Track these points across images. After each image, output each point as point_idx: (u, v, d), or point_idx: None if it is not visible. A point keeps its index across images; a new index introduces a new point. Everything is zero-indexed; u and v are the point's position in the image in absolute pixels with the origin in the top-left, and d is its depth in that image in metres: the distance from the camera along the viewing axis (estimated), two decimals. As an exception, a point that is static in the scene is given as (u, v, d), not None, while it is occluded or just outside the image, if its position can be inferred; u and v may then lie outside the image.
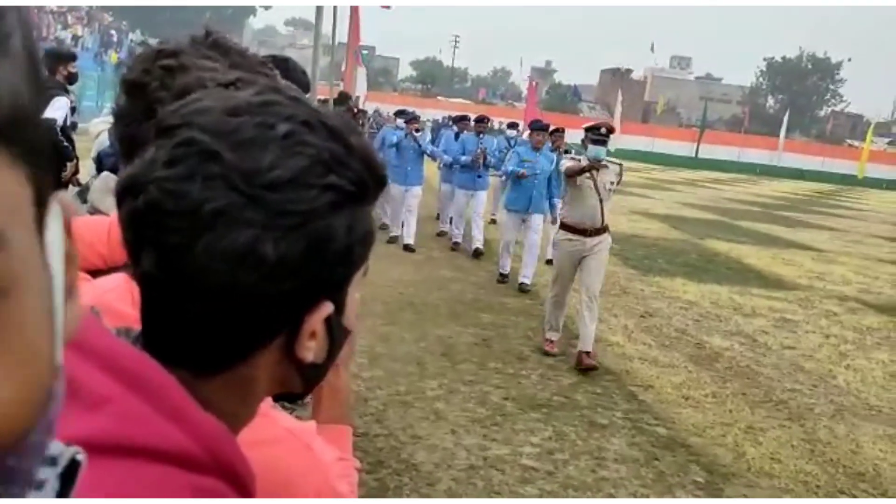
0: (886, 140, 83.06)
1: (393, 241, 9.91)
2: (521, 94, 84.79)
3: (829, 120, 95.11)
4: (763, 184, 41.11)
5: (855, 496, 4.17)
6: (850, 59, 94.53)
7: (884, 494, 4.22)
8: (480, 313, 6.95)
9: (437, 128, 22.72)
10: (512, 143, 11.07)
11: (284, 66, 2.37)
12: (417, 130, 9.82)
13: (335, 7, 8.24)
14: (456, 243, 10.45)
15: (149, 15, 61.74)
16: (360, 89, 18.70)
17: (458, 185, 10.18)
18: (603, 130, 5.70)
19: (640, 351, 6.33)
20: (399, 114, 10.91)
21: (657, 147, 55.57)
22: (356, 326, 0.71)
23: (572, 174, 5.80)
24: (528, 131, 9.53)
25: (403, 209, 9.86)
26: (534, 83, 30.99)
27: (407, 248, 9.68)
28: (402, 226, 9.99)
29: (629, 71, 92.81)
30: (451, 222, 10.86)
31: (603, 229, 5.81)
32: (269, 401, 0.74)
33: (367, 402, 4.67)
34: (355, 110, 13.21)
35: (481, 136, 10.19)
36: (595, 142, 5.70)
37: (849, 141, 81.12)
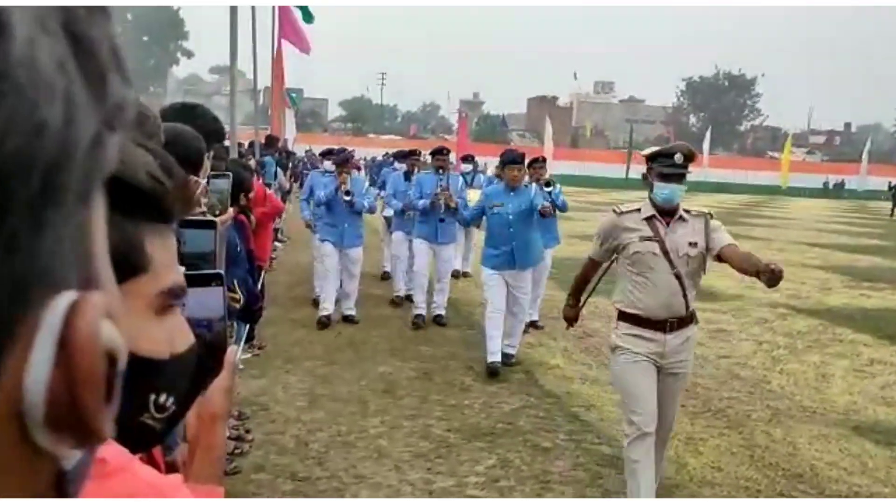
0: (804, 150, 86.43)
1: (325, 322, 7.49)
2: (451, 127, 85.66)
3: (750, 134, 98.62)
4: (691, 199, 42.11)
5: (794, 497, 4.26)
6: (763, 75, 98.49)
7: (822, 494, 4.32)
8: (421, 347, 6.92)
9: (375, 167, 22.06)
10: (469, 180, 9.63)
11: (192, 113, 2.35)
12: (348, 194, 7.48)
13: (254, 51, 8.20)
14: (400, 297, 8.76)
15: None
16: (289, 132, 18.68)
17: (417, 236, 8.08)
18: (678, 158, 3.66)
19: (581, 371, 6.39)
20: (326, 154, 8.63)
21: (588, 171, 56.66)
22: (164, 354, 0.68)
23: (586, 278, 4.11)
24: (495, 166, 8.61)
25: (335, 277, 7.72)
26: (464, 115, 31.42)
27: (348, 319, 7.74)
28: (337, 300, 7.80)
29: (555, 98, 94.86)
30: (401, 275, 8.85)
31: (688, 318, 3.74)
32: (129, 454, 0.71)
33: (308, 445, 4.59)
34: (284, 153, 13.15)
35: (442, 172, 7.95)
36: (666, 177, 3.67)
37: (770, 153, 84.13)
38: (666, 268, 3.62)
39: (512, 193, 6.34)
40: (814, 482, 4.45)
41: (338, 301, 7.78)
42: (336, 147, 9.59)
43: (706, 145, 54.47)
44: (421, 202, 7.86)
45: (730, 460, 4.68)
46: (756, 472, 4.52)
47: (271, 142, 11.38)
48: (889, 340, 7.96)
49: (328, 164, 8.27)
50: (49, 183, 0.28)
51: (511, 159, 6.52)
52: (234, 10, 5.91)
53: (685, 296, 3.66)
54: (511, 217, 6.28)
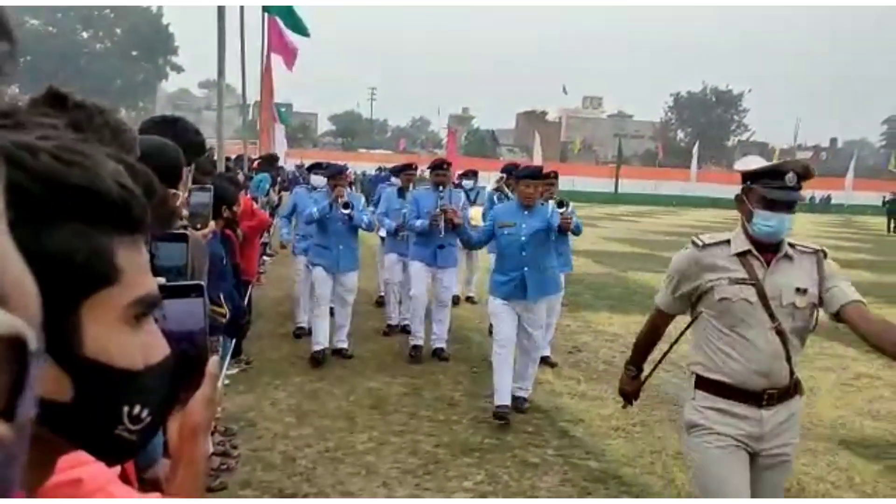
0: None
1: (319, 357, 6.70)
2: (440, 141, 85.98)
3: (737, 149, 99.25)
4: (680, 214, 42.39)
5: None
6: (750, 90, 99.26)
7: (809, 507, 4.32)
8: (410, 363, 6.90)
9: (369, 182, 21.60)
10: (472, 197, 8.88)
11: (174, 126, 2.35)
12: (347, 206, 6.61)
13: (243, 65, 8.19)
14: (393, 326, 8.06)
15: (57, 83, 60.38)
16: (278, 147, 18.67)
17: (413, 258, 7.26)
18: (790, 178, 2.75)
19: (569, 386, 6.39)
20: (314, 169, 8.07)
21: (577, 185, 56.79)
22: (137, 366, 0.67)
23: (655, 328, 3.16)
24: (502, 180, 7.98)
25: (326, 305, 6.89)
26: (453, 130, 31.55)
27: (339, 353, 6.93)
28: (333, 329, 7.00)
29: (544, 113, 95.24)
30: (394, 302, 8.17)
31: (792, 389, 2.82)
32: (108, 474, 0.71)
33: (296, 461, 4.57)
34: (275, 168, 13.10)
35: (442, 189, 7.00)
36: (773, 204, 2.75)
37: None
38: (765, 321, 2.73)
39: (526, 212, 5.59)
40: (801, 496, 4.45)
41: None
42: (325, 162, 8.71)
43: (694, 160, 54.95)
44: (418, 222, 6.97)
45: (718, 475, 4.68)
46: (744, 487, 4.52)
47: (271, 160, 11.39)
48: (876, 355, 7.91)
49: (317, 180, 7.61)
50: None
51: (528, 174, 5.75)
52: (221, 24, 5.90)
53: (789, 360, 2.75)
54: (524, 239, 5.53)
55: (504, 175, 8.04)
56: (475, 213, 7.56)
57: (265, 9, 10.29)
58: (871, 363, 7.64)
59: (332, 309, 7.01)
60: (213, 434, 4.57)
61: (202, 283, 0.98)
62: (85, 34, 73.78)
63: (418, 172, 8.61)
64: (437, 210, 6.83)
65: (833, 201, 54.27)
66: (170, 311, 0.95)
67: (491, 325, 6.07)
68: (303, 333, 7.54)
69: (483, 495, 4.25)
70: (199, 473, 0.99)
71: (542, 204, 5.72)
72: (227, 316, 2.88)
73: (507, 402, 5.44)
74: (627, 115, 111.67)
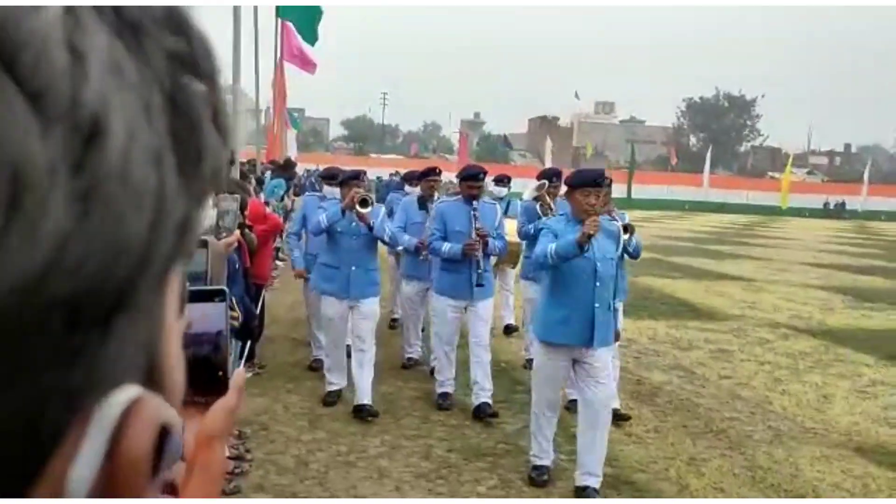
0: (805, 171, 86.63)
1: (332, 400, 5.68)
2: (452, 147, 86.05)
3: (750, 154, 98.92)
4: (692, 219, 42.26)
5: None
6: (763, 96, 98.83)
7: (825, 515, 4.29)
8: (422, 366, 6.90)
9: (385, 188, 20.85)
10: (507, 207, 7.10)
11: None
12: (365, 204, 5.24)
13: (256, 70, 8.23)
14: (413, 360, 6.87)
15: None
16: (290, 152, 18.74)
17: (439, 291, 5.79)
18: None
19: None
20: (328, 178, 6.48)
21: (589, 190, 56.85)
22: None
23: None
24: (547, 187, 6.31)
25: (343, 348, 5.72)
26: (464, 135, 31.57)
27: (362, 410, 5.40)
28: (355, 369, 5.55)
29: (556, 118, 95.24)
30: (414, 334, 6.93)
31: None
32: None
33: (308, 465, 4.58)
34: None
35: (475, 203, 5.60)
36: None
37: (770, 173, 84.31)
38: None
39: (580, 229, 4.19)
40: (816, 504, 4.43)
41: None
42: (338, 171, 6.53)
43: (706, 166, 54.77)
44: (446, 247, 5.55)
45: (732, 481, 4.66)
46: (758, 493, 4.51)
47: (286, 165, 11.44)
48: (891, 361, 7.93)
49: (330, 191, 6.26)
50: (124, 294, 0.26)
51: (585, 180, 4.39)
52: (237, 26, 5.93)
53: None
54: (599, 268, 4.24)
55: (545, 182, 6.43)
56: (511, 229, 6.35)
57: (278, 11, 10.32)
58: (886, 370, 7.59)
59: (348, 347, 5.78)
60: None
61: (225, 288, 0.99)
62: (99, 39, 74.36)
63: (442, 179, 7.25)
64: (474, 236, 5.47)
65: (847, 207, 53.96)
66: (195, 315, 0.97)
67: (529, 361, 5.62)
68: (320, 367, 6.27)
69: (498, 494, 4.25)
70: (213, 480, 0.96)
71: (611, 219, 4.53)
72: (240, 319, 2.89)
73: (547, 468, 4.55)
74: (639, 120, 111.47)
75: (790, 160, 56.49)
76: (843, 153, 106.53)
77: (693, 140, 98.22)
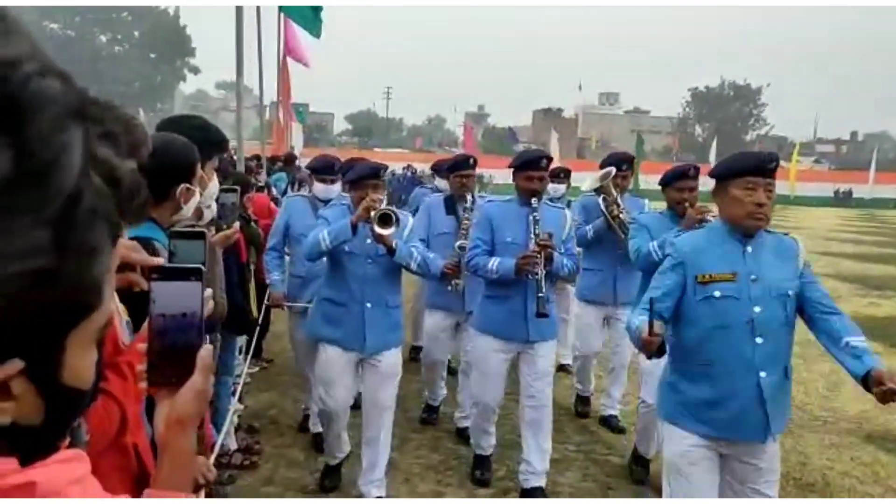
0: (812, 159, 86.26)
1: (331, 475, 4.24)
2: (457, 140, 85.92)
3: (756, 144, 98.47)
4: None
5: (806, 507, 4.23)
6: (769, 85, 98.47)
7: (834, 502, 4.29)
8: (447, 424, 6.88)
9: (398, 184, 18.71)
10: (567, 207, 4.98)
11: (188, 122, 2.41)
12: (386, 222, 3.64)
13: (260, 66, 8.22)
14: (434, 410, 5.42)
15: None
16: (297, 145, 18.73)
17: (480, 328, 4.22)
18: None
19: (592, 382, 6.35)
20: (320, 172, 4.81)
21: (595, 182, 56.76)
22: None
23: None
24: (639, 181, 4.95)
25: (346, 413, 4.18)
26: (469, 127, 31.44)
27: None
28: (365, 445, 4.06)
29: (560, 110, 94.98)
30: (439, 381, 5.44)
31: None
32: (70, 474, 0.68)
33: (317, 458, 4.58)
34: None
35: (534, 204, 3.99)
36: None
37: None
38: None
39: (744, 251, 2.84)
40: (826, 492, 4.43)
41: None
42: (336, 161, 5.03)
43: (712, 155, 54.54)
44: (493, 264, 3.96)
45: (741, 470, 4.65)
46: (767, 482, 4.49)
47: (289, 159, 11.49)
48: (900, 349, 7.91)
49: (324, 190, 4.74)
50: None
51: (678, 174, 3.99)
52: (239, 24, 5.93)
53: None
54: (759, 312, 2.78)
55: (612, 169, 5.11)
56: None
57: (281, 8, 10.32)
58: (895, 357, 7.56)
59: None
60: (237, 431, 4.60)
61: (202, 266, 0.96)
62: (103, 37, 74.34)
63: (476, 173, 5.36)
64: (532, 245, 3.88)
65: (854, 195, 53.69)
66: (166, 292, 0.95)
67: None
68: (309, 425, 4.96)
69: (505, 491, 4.26)
70: (184, 466, 0.95)
71: (770, 232, 2.91)
72: (223, 310, 2.80)
73: None
74: (644, 110, 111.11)
75: (797, 149, 56.20)
76: (850, 141, 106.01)
77: (699, 130, 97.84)
